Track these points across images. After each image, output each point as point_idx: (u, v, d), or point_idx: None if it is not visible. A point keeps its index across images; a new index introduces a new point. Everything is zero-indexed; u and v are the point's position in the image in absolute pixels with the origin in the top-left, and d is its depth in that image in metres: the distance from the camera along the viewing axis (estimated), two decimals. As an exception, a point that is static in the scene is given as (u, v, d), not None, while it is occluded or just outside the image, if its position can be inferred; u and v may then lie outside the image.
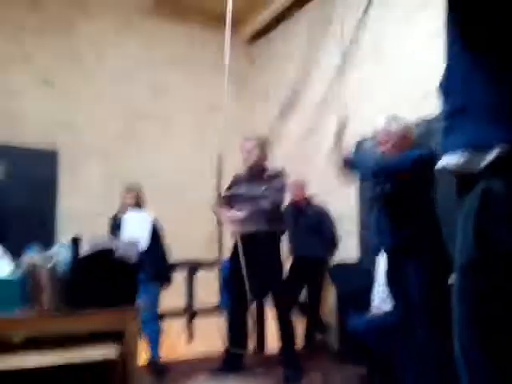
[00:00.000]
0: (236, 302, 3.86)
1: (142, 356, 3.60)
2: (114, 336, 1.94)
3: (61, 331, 1.88)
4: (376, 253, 3.37)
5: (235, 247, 3.83)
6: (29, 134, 4.80)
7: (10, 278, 1.95)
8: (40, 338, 1.90)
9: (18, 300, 1.87)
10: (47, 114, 4.96)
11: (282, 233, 3.93)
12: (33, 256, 1.93)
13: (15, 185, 4.13)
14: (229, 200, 3.84)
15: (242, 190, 3.84)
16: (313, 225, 4.42)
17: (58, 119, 5.00)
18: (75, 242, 1.95)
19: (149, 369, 3.79)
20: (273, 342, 3.97)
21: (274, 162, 4.05)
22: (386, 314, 3.10)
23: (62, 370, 1.78)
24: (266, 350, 4.42)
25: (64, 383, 1.90)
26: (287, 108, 5.36)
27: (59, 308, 1.87)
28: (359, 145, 4.19)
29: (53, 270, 1.85)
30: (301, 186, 4.51)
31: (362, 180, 3.61)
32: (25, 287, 1.88)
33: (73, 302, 1.89)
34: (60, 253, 1.91)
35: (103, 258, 1.97)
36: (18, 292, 1.87)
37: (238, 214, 3.69)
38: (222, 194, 3.88)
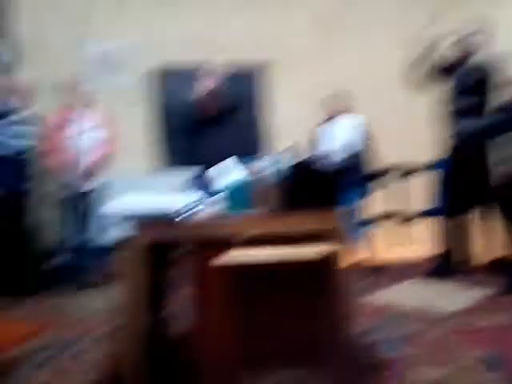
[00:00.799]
0: (452, 208, 3.73)
1: (353, 257, 3.82)
2: (323, 237, 2.11)
3: (279, 231, 2.11)
4: None
5: (450, 151, 3.64)
6: (240, 49, 5.15)
7: (244, 183, 2.25)
8: (263, 237, 2.18)
9: (248, 203, 2.16)
10: (249, 33, 5.21)
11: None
12: (255, 165, 2.17)
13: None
14: None
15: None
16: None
17: (259, 37, 5.21)
18: (286, 152, 2.12)
19: (361, 267, 4.02)
20: (487, 251, 3.79)
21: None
22: None
23: (279, 266, 2.03)
24: (478, 259, 4.23)
25: (282, 278, 2.16)
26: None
27: (277, 210, 2.10)
28: None
29: (271, 176, 2.07)
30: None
31: None
32: (251, 192, 2.15)
33: (288, 206, 2.09)
34: (278, 160, 2.11)
35: (310, 165, 2.10)
36: (248, 196, 2.16)
37: None
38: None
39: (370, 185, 3.99)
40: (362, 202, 3.94)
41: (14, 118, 3.82)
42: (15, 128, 3.83)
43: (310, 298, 2.14)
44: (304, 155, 2.16)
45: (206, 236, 2.10)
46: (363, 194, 3.96)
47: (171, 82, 5.08)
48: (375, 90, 5.13)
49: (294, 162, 2.13)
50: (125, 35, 4.99)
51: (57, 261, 4.69)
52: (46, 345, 2.72)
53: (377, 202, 4.13)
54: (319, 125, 4.09)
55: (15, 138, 3.81)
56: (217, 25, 5.19)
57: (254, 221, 2.11)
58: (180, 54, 5.00)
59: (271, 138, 5.27)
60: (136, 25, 5.07)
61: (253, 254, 1.99)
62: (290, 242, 2.06)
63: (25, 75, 4.14)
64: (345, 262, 2.13)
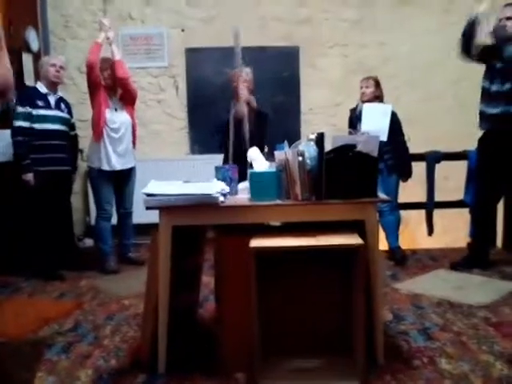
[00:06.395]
0: (484, 196, 3.63)
1: (381, 244, 3.75)
2: (356, 225, 2.07)
3: (309, 219, 2.08)
4: None
5: (482, 140, 3.54)
6: (273, 35, 5.04)
7: (268, 172, 2.21)
8: (292, 224, 2.15)
9: (275, 191, 2.12)
10: (288, 15, 5.08)
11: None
12: (284, 152, 2.12)
13: (265, 83, 4.49)
14: None
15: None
16: None
17: (298, 18, 5.08)
18: (320, 137, 2.06)
19: (388, 256, 3.96)
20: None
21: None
22: None
23: (309, 254, 2.00)
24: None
25: (312, 265, 2.13)
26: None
27: (308, 198, 2.06)
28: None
29: (302, 164, 2.02)
30: None
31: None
32: (279, 180, 2.11)
33: (320, 193, 2.05)
34: (307, 148, 2.06)
35: (346, 152, 2.04)
36: (275, 184, 2.11)
37: None
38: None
39: (400, 172, 3.88)
40: (392, 189, 3.83)
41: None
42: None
43: (338, 287, 2.11)
44: (340, 141, 2.09)
45: (229, 222, 2.09)
46: (394, 180, 3.86)
47: (195, 61, 5.02)
48: (410, 73, 5.00)
49: (328, 149, 2.07)
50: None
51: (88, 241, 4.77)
52: (75, 326, 2.76)
53: (408, 188, 4.02)
54: (354, 107, 3.94)
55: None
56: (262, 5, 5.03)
57: (282, 208, 2.08)
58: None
59: (304, 118, 5.15)
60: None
61: (278, 241, 1.97)
62: (319, 230, 2.03)
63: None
64: (376, 248, 2.10)
